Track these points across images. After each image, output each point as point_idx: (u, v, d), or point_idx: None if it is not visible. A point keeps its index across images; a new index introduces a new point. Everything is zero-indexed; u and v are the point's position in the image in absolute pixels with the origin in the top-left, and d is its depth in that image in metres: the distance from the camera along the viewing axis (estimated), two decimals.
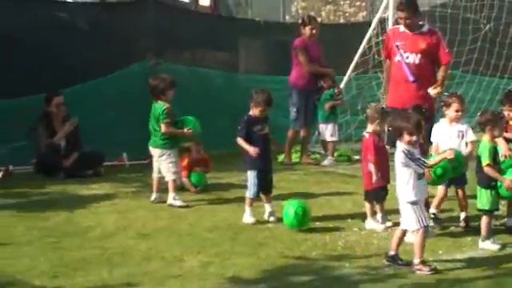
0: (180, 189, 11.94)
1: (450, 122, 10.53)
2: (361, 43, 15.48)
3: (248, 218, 10.66)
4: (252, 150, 10.54)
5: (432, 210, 10.57)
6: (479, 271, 8.70)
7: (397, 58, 11.41)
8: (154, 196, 11.75)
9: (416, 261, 8.58)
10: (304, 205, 10.41)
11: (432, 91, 11.27)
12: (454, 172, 9.76)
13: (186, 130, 11.79)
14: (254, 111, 10.80)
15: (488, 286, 8.30)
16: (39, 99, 13.51)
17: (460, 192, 10.53)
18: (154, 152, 11.88)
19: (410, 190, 8.61)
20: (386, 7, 15.05)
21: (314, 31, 14.92)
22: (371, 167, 10.32)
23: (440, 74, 11.47)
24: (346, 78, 15.62)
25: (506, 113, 10.52)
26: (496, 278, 8.53)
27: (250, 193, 10.73)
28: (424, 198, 8.92)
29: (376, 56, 15.45)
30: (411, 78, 11.28)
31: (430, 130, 10.56)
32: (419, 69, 11.31)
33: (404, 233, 8.85)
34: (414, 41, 11.34)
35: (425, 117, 9.95)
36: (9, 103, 13.65)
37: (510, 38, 17.61)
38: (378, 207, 10.53)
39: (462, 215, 10.61)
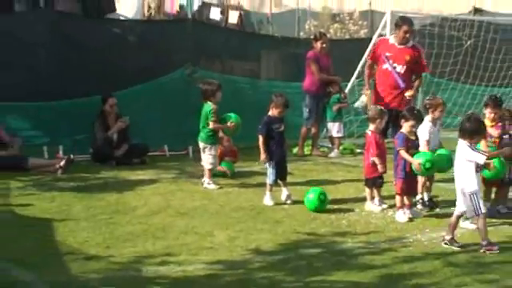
0: (213, 175, 11.90)
1: (434, 121, 10.54)
2: (363, 55, 15.39)
3: (268, 200, 10.64)
4: (263, 156, 10.68)
5: (419, 196, 10.56)
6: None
7: (385, 66, 11.38)
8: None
9: (483, 242, 8.52)
10: (325, 192, 10.46)
11: (408, 94, 11.29)
12: (441, 168, 9.82)
13: (229, 123, 11.84)
14: (274, 112, 10.80)
15: (467, 258, 8.31)
16: (96, 100, 13.53)
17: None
18: (200, 145, 11.89)
19: (472, 181, 8.51)
20: (384, 26, 14.98)
21: (324, 45, 14.89)
22: (375, 159, 10.34)
23: (416, 83, 11.48)
24: (350, 85, 15.56)
25: (488, 114, 10.46)
26: (474, 252, 8.55)
27: (269, 180, 10.73)
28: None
29: (375, 66, 15.36)
30: (402, 85, 11.30)
31: None
32: (403, 77, 11.31)
33: (458, 218, 8.81)
34: (400, 53, 11.39)
35: (417, 117, 9.95)
36: (72, 103, 13.71)
37: (486, 52, 17.45)
38: (375, 192, 10.53)
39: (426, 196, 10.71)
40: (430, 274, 7.78)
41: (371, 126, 10.63)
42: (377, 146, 10.42)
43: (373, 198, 10.52)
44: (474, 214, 8.62)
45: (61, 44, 14.25)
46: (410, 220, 9.73)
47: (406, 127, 9.86)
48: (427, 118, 10.59)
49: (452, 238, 8.70)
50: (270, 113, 10.87)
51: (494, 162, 9.51)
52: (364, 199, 10.65)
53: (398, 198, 9.93)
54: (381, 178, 10.53)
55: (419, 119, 10.08)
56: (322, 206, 10.28)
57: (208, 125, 11.74)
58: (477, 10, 22.71)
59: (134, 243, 8.63)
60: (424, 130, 10.40)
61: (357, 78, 15.50)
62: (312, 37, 16.06)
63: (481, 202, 8.58)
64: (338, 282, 7.49)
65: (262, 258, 8.23)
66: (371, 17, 26.28)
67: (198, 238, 8.88)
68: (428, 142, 10.32)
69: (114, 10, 19.76)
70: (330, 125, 14.88)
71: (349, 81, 15.50)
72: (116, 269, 7.75)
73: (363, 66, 15.33)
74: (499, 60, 16.67)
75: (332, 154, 14.67)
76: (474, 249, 8.64)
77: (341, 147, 14.85)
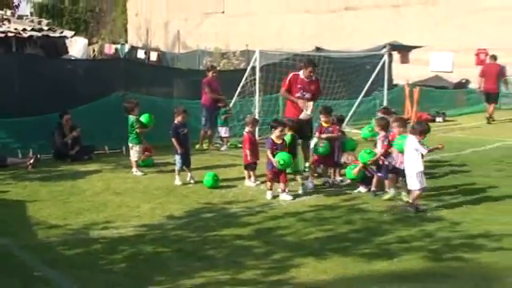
0: (140, 165, 11.71)
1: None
2: (241, 80, 15.41)
3: (177, 181, 10.53)
4: (180, 150, 10.59)
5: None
6: (307, 207, 8.88)
7: (298, 94, 11.30)
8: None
9: (411, 207, 8.61)
10: (217, 174, 10.48)
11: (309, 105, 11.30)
12: (288, 165, 9.56)
13: (147, 128, 11.76)
14: (178, 119, 10.76)
15: (313, 215, 8.54)
16: (55, 115, 13.09)
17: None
18: (129, 145, 11.70)
19: (419, 164, 8.54)
20: (255, 61, 15.02)
21: (214, 74, 14.88)
22: (248, 152, 10.41)
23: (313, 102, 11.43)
24: (233, 101, 15.51)
25: (322, 119, 10.61)
26: (317, 211, 8.74)
27: (177, 166, 10.65)
28: None
29: (250, 88, 15.38)
30: (307, 105, 11.25)
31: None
32: (309, 101, 11.28)
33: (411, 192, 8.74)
34: (308, 85, 11.33)
35: (281, 124, 9.96)
36: (38, 118, 13.15)
37: (324, 76, 17.41)
38: (251, 173, 10.55)
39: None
40: (288, 227, 7.93)
41: (246, 129, 10.70)
42: (250, 142, 10.51)
43: (250, 177, 10.54)
44: (418, 187, 8.58)
45: (29, 77, 13.76)
46: (274, 198, 9.47)
47: (275, 133, 9.69)
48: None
49: (415, 205, 8.67)
50: (175, 121, 10.81)
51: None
52: (244, 178, 10.64)
53: (268, 183, 9.70)
54: (255, 164, 10.59)
55: (284, 125, 9.99)
56: (216, 184, 10.24)
57: (133, 131, 11.59)
58: (318, 49, 23.13)
59: (84, 215, 8.47)
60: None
61: (237, 96, 15.50)
62: (206, 69, 16.03)
63: (423, 179, 8.65)
64: (226, 236, 7.54)
65: (174, 222, 8.21)
66: (248, 54, 26.34)
67: (129, 210, 8.77)
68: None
69: (67, 52, 19.41)
70: (220, 129, 14.83)
71: (232, 98, 15.46)
72: (71, 234, 7.63)
73: (241, 88, 15.40)
74: (332, 81, 16.90)
75: (222, 149, 14.62)
76: (316, 209, 8.80)
77: (228, 144, 14.82)
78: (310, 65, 11.50)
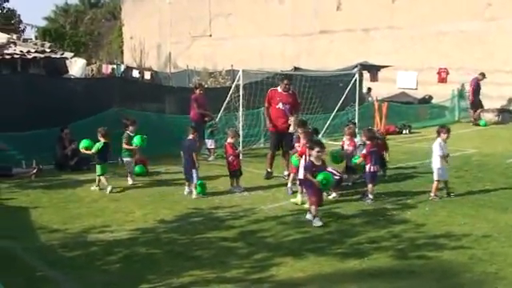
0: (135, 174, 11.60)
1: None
2: (226, 97, 15.37)
3: (194, 195, 9.94)
4: (198, 164, 10.15)
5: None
6: (286, 211, 8.84)
7: (278, 106, 11.35)
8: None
9: (432, 194, 9.61)
10: (205, 182, 10.34)
11: (292, 120, 11.25)
12: (331, 185, 8.74)
13: (133, 146, 11.40)
14: (193, 136, 10.47)
15: (292, 219, 8.51)
16: (56, 130, 12.98)
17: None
18: (123, 158, 11.58)
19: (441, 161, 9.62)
20: (239, 80, 15.01)
21: (201, 91, 14.88)
22: (230, 159, 10.48)
23: (295, 114, 11.42)
24: (219, 115, 15.46)
25: (299, 131, 10.60)
26: (296, 215, 8.69)
27: (195, 181, 10.01)
28: None
29: (235, 104, 15.32)
30: (289, 114, 11.28)
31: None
32: (289, 111, 11.34)
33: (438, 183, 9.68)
34: (286, 97, 11.46)
35: (317, 144, 8.84)
36: (41, 131, 12.95)
37: (301, 93, 17.43)
38: (235, 180, 10.53)
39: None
40: (269, 230, 7.90)
41: (228, 140, 10.70)
42: (232, 151, 10.54)
43: (235, 183, 10.49)
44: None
45: (33, 94, 13.66)
46: (324, 225, 8.06)
47: (313, 154, 8.33)
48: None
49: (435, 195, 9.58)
50: (191, 137, 10.44)
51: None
52: (229, 185, 10.56)
53: (312, 207, 8.25)
54: (238, 171, 10.55)
55: (321, 145, 8.59)
56: (203, 190, 10.16)
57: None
58: (296, 68, 23.18)
59: (82, 220, 8.41)
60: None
61: (223, 111, 15.44)
62: (194, 86, 16.01)
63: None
64: (212, 238, 7.52)
65: (165, 225, 8.16)
66: (232, 73, 26.28)
67: (123, 215, 8.72)
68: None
69: (67, 72, 19.34)
70: (207, 141, 14.76)
71: (218, 113, 15.41)
72: (70, 237, 7.58)
73: (227, 104, 15.37)
74: (309, 97, 16.89)
75: (210, 159, 14.55)
76: (295, 213, 8.77)
77: (215, 154, 14.75)
78: (285, 78, 11.73)
